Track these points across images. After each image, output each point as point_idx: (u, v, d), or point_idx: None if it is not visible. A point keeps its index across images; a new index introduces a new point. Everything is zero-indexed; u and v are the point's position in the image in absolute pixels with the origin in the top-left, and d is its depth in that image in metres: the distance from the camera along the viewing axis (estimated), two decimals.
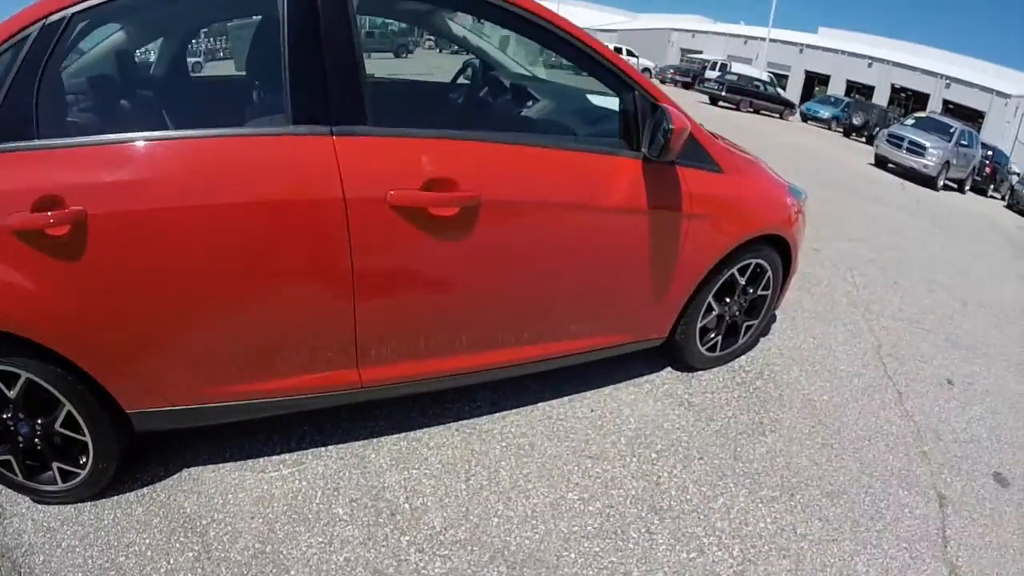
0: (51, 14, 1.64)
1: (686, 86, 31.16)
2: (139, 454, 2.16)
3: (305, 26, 1.73)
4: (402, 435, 2.45)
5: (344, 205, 1.75)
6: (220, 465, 2.19)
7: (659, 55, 47.08)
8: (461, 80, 3.43)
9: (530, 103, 2.97)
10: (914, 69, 38.13)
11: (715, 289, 2.85)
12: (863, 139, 21.04)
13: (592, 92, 2.89)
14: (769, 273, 3.05)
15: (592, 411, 2.77)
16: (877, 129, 16.48)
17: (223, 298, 1.80)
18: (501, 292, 2.23)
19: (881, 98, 37.23)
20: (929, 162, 13.28)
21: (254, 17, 2.33)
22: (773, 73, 38.44)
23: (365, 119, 1.80)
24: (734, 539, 2.20)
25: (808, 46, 43.61)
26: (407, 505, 2.10)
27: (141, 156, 1.67)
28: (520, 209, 2.08)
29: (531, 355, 2.43)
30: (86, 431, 1.85)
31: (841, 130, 23.02)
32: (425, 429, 2.50)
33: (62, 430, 1.86)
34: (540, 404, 2.76)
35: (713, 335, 3.08)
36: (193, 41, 2.54)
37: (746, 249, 2.81)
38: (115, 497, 2.03)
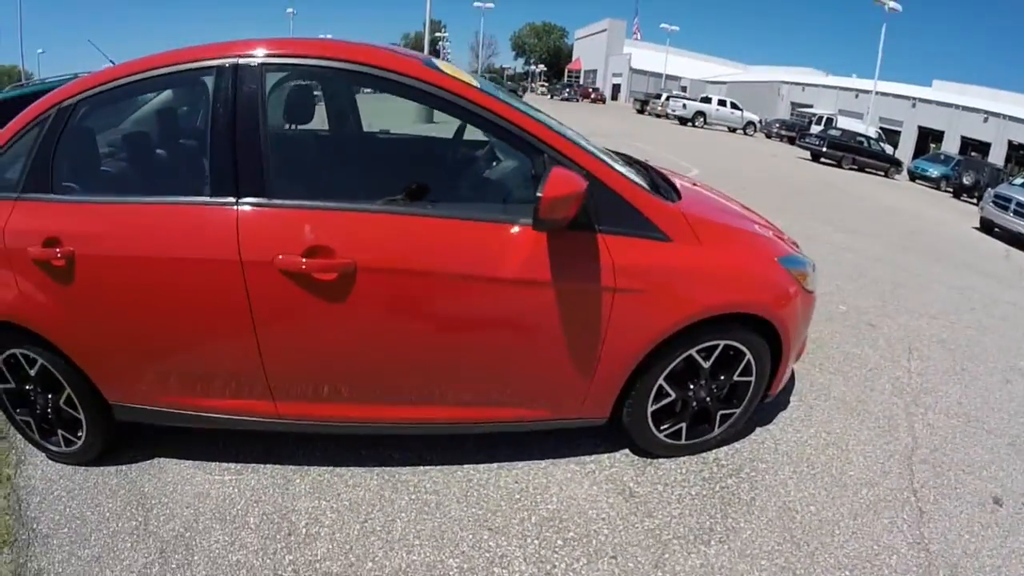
0: (64, 100, 2.29)
1: (791, 141, 30.34)
2: (130, 440, 2.70)
3: (224, 120, 2.12)
4: (329, 468, 2.63)
5: (241, 266, 2.08)
6: (182, 461, 2.65)
7: (769, 108, 46.42)
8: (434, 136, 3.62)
9: (479, 165, 2.95)
10: None
11: (667, 371, 2.57)
12: (974, 201, 19.29)
13: None
14: (748, 357, 2.68)
15: (516, 482, 2.61)
16: (989, 190, 14.97)
17: (163, 328, 2.25)
18: (393, 353, 2.30)
19: (998, 156, 34.17)
20: None
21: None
22: (884, 129, 36.76)
23: (265, 191, 2.11)
24: None
25: (921, 100, 41.16)
26: (304, 530, 2.30)
27: (114, 214, 2.20)
28: (401, 277, 2.17)
29: (440, 417, 2.47)
30: (81, 411, 2.46)
31: (951, 190, 21.30)
32: (350, 468, 2.64)
33: (65, 407, 2.48)
34: (467, 466, 2.70)
35: (674, 421, 2.75)
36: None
37: (711, 328, 2.52)
38: (102, 468, 2.62)
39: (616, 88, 67.60)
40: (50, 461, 2.68)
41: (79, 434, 2.52)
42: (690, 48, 70.09)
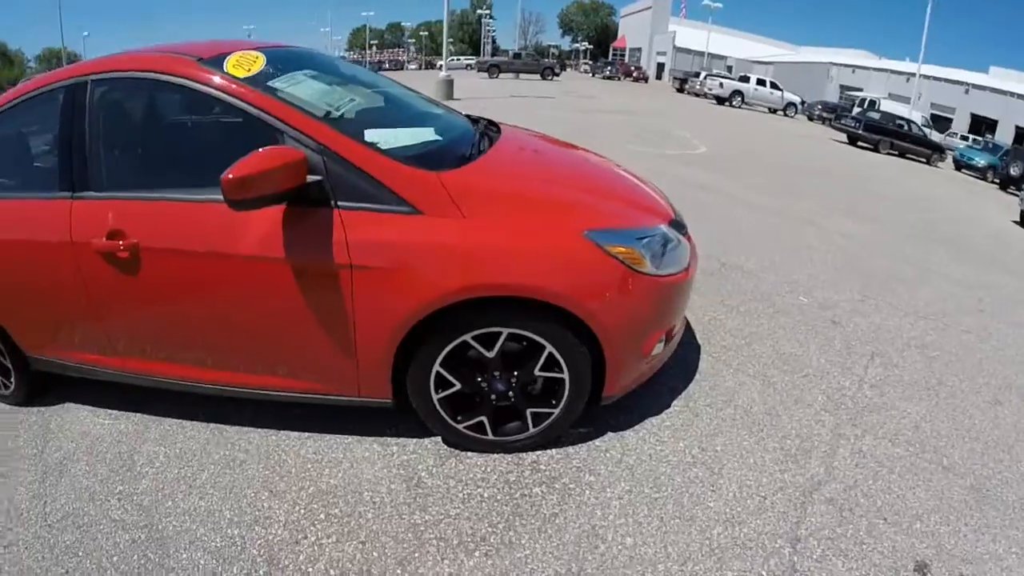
0: None
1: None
2: (56, 387, 3.22)
3: (65, 129, 2.63)
4: (178, 421, 2.96)
5: (73, 247, 2.55)
6: (83, 407, 3.12)
7: (818, 90, 45.07)
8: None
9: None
10: None
11: (441, 356, 2.41)
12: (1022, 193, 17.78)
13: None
14: (549, 350, 2.38)
15: (315, 453, 2.71)
16: None
17: (39, 296, 2.77)
18: (183, 320, 2.63)
19: None
20: None
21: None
22: (935, 115, 34.90)
23: (90, 186, 2.57)
24: None
25: (975, 86, 38.77)
26: (139, 468, 2.65)
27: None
28: (168, 254, 2.48)
29: (237, 382, 2.68)
30: (8, 361, 3.02)
31: (997, 182, 19.74)
32: (193, 422, 2.95)
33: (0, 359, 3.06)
34: (284, 431, 2.85)
35: (474, 414, 2.58)
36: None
37: (490, 313, 2.33)
38: (28, 409, 3.15)
39: (660, 67, 65.94)
40: None
41: (11, 380, 3.09)
42: (739, 27, 68.21)
